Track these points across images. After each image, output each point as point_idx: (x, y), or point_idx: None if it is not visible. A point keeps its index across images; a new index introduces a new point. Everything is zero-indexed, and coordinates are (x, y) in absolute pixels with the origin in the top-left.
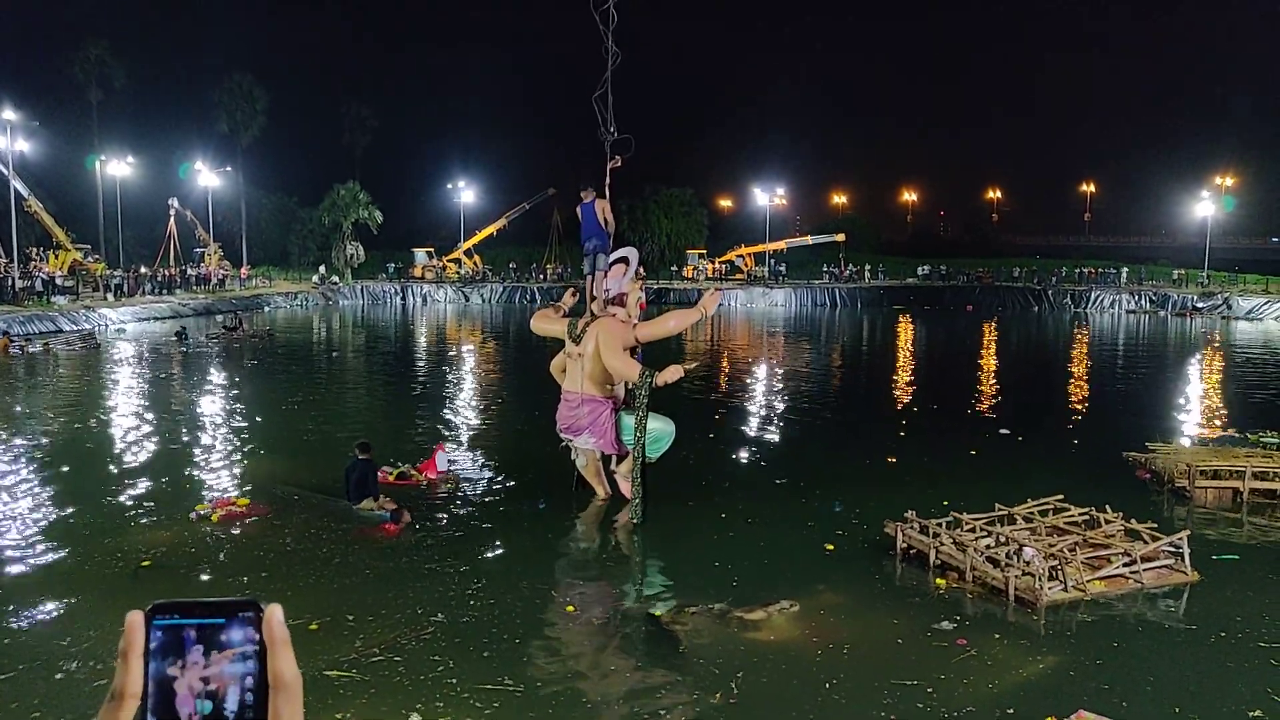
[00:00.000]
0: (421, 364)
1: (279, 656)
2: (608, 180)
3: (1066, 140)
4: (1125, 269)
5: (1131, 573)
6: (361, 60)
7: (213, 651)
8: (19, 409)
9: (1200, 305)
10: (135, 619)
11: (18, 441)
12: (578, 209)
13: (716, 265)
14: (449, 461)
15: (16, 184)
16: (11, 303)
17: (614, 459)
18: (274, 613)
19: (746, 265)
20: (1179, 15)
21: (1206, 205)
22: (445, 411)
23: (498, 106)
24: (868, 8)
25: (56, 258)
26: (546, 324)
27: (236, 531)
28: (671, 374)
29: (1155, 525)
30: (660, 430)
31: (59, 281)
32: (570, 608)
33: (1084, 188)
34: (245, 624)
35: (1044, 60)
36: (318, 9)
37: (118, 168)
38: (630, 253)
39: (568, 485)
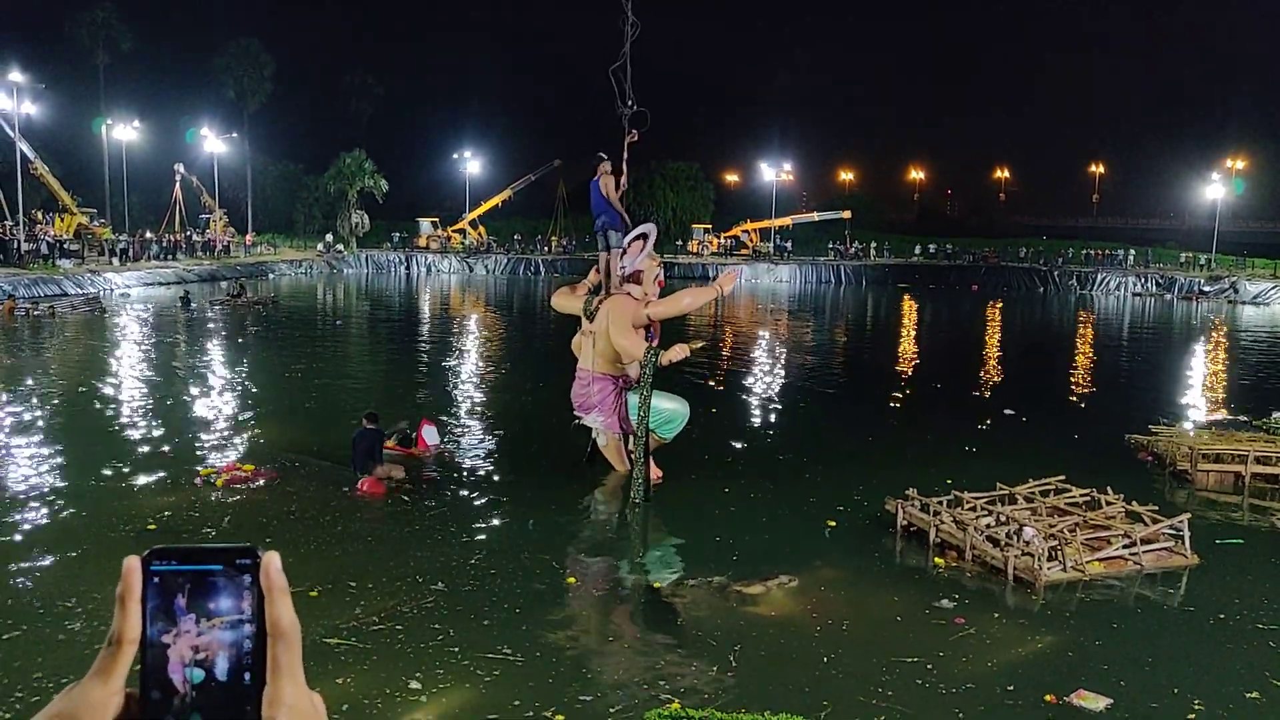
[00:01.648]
0: (425, 333)
1: (276, 604)
2: (625, 155)
3: (1075, 122)
4: (1132, 251)
5: (1131, 555)
6: (362, 57)
7: (203, 620)
8: (24, 372)
9: (1207, 289)
10: (132, 564)
11: (23, 404)
12: (591, 184)
13: (722, 240)
14: (438, 434)
15: (23, 146)
16: (17, 265)
17: (632, 439)
18: (271, 560)
19: (752, 241)
20: (1179, 15)
21: (1216, 188)
22: (448, 381)
23: (505, 77)
24: (870, 7)
25: (62, 221)
26: (565, 301)
27: (241, 497)
28: (676, 353)
29: (1156, 508)
30: (674, 410)
31: (65, 245)
32: (571, 579)
33: (1093, 169)
34: (239, 580)
35: (1047, 59)
36: (317, 8)
37: (124, 132)
38: (649, 229)
39: (566, 458)
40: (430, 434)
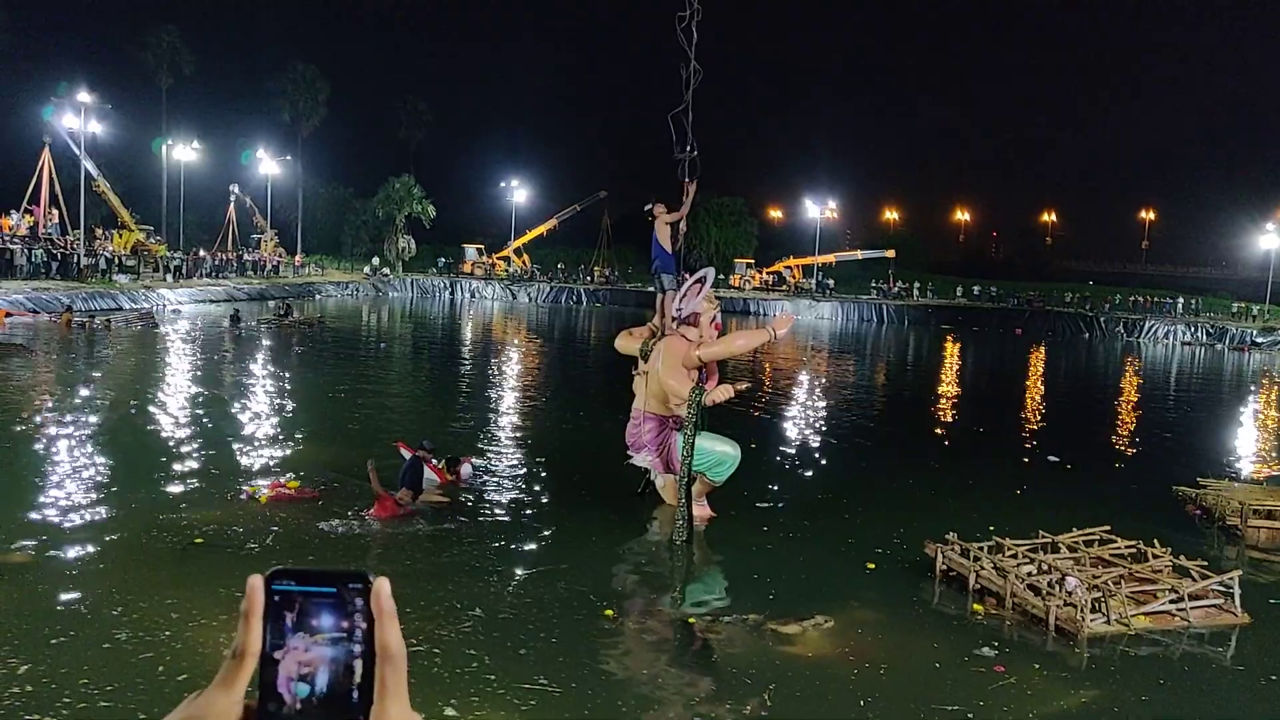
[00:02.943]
0: (467, 359)
1: (385, 627)
2: (686, 203)
3: (1126, 166)
4: (1182, 299)
5: (1178, 610)
6: (415, 83)
7: (306, 636)
8: (78, 382)
9: (1260, 340)
10: (256, 582)
11: (77, 414)
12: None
13: (764, 276)
14: (473, 470)
15: (87, 164)
16: (76, 279)
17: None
18: (382, 586)
19: (794, 277)
20: (1233, 62)
21: (1271, 238)
22: (489, 407)
23: (554, 108)
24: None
25: (120, 237)
26: (626, 343)
27: (284, 514)
28: (721, 394)
29: (1205, 563)
30: (724, 453)
31: (122, 260)
32: (609, 611)
33: (1143, 214)
34: (345, 601)
35: (1101, 102)
36: (374, 34)
37: (183, 152)
38: (707, 272)
39: (607, 489)
40: (465, 470)
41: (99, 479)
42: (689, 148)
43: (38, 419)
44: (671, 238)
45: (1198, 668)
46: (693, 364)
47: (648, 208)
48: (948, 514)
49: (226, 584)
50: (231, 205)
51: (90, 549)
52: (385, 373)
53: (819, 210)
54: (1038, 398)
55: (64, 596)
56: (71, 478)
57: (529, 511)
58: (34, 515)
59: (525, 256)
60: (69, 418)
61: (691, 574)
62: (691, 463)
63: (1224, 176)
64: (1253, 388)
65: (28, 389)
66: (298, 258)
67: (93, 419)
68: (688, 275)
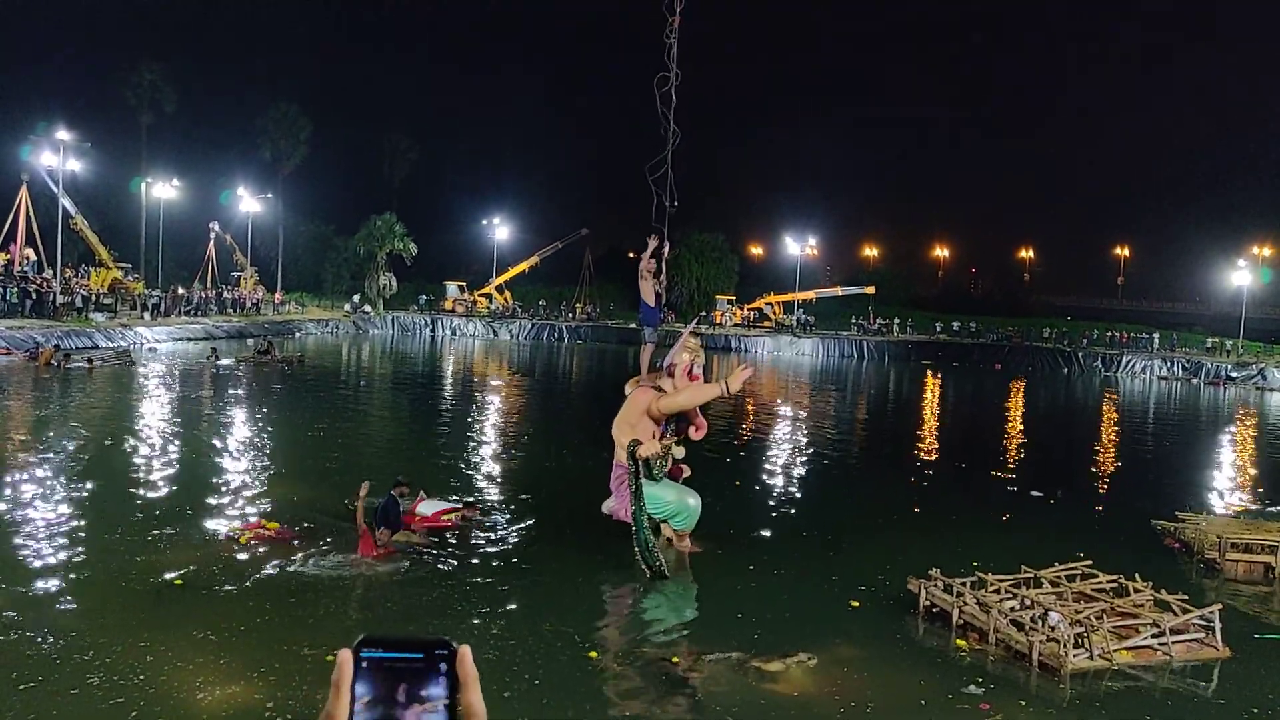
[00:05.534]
0: (448, 396)
1: (470, 690)
2: (663, 262)
3: (1101, 203)
4: (1157, 334)
5: (1160, 644)
6: (398, 121)
7: (415, 705)
8: (53, 422)
9: (1234, 375)
10: (345, 655)
11: (50, 455)
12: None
13: (745, 312)
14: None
15: (65, 202)
16: (51, 318)
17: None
18: (466, 653)
19: (775, 314)
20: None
21: (1243, 274)
22: (470, 445)
23: (536, 146)
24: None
25: (98, 275)
26: (629, 390)
27: (263, 556)
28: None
29: (1185, 597)
30: (679, 502)
31: (99, 299)
32: (593, 653)
33: (1118, 251)
34: (431, 666)
35: (1074, 139)
36: (359, 74)
37: (163, 190)
38: (692, 326)
39: (590, 528)
40: (424, 508)
41: (73, 519)
42: (673, 203)
43: (11, 458)
44: (655, 291)
45: (1180, 702)
46: (656, 414)
47: (653, 241)
48: (931, 549)
49: (202, 627)
50: (211, 242)
51: (62, 590)
52: (365, 411)
53: (800, 247)
54: (1018, 432)
55: (34, 639)
56: (45, 517)
57: (512, 551)
58: (4, 555)
59: (507, 293)
60: (42, 458)
61: (677, 612)
62: (640, 511)
63: (1195, 213)
64: (1229, 422)
65: (2, 428)
66: (278, 295)
67: (66, 459)
68: (671, 314)
